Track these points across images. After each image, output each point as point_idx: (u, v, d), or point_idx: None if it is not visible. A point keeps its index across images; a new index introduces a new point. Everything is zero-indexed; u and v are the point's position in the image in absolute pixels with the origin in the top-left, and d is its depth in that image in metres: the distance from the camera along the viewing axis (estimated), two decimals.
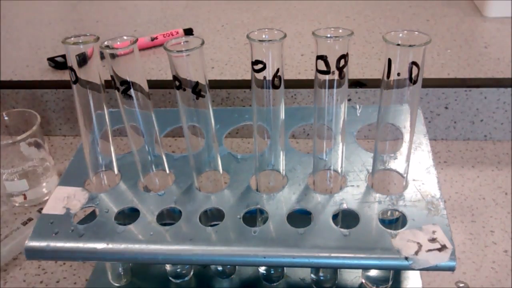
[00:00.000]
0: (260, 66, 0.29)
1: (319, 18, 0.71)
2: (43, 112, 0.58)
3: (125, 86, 0.31)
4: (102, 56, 0.31)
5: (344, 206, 0.32)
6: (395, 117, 0.31)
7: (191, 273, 0.38)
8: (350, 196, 0.33)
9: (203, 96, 0.31)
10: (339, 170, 0.34)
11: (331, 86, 0.29)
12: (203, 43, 0.29)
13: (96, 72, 0.32)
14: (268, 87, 0.30)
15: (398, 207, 0.32)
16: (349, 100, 0.53)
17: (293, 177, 0.35)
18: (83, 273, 0.41)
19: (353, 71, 0.55)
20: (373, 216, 0.31)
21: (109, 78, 0.31)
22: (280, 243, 0.30)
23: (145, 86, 0.32)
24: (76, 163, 0.39)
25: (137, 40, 0.30)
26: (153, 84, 0.55)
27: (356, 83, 0.52)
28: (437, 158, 0.51)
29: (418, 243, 0.29)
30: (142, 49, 0.63)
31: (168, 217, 0.34)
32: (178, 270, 0.38)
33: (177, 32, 0.63)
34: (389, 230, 0.30)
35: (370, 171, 0.35)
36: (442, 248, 0.29)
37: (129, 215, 0.34)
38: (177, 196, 0.34)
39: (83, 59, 0.31)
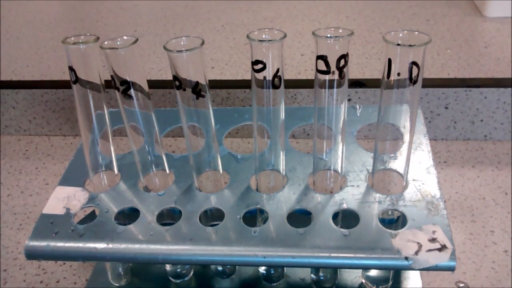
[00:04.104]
0: (260, 66, 0.29)
1: (319, 18, 0.71)
2: (43, 112, 0.58)
3: (125, 86, 0.31)
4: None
5: (344, 206, 0.32)
6: (395, 117, 0.31)
7: (191, 273, 0.38)
8: (350, 196, 0.33)
9: (203, 96, 0.31)
10: (339, 170, 0.34)
11: (331, 86, 0.29)
12: (203, 43, 0.29)
13: (96, 72, 0.32)
14: (268, 87, 0.30)
15: (398, 207, 0.32)
16: (349, 100, 0.53)
17: (293, 177, 0.35)
18: (83, 273, 0.41)
19: (353, 71, 0.55)
20: (373, 216, 0.31)
21: (109, 78, 0.31)
22: (280, 243, 0.30)
23: (145, 86, 0.32)
24: (76, 163, 0.39)
25: (137, 40, 0.30)
26: (153, 84, 0.55)
27: (356, 83, 0.52)
28: (437, 158, 0.51)
29: (418, 243, 0.29)
30: None
31: (168, 217, 0.34)
32: (178, 270, 0.38)
33: None
34: (389, 230, 0.30)
35: (370, 171, 0.35)
36: (442, 248, 0.29)
37: (129, 215, 0.34)
38: (177, 196, 0.34)
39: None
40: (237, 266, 0.38)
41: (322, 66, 0.28)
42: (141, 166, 0.35)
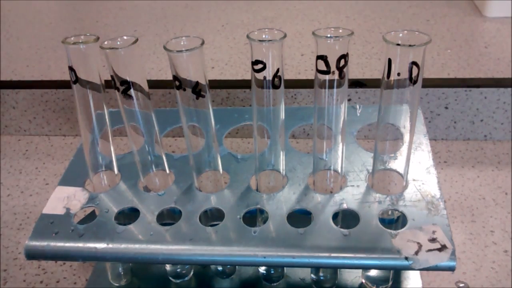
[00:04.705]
0: (260, 66, 0.29)
1: (319, 18, 0.71)
2: (43, 112, 0.58)
3: (125, 86, 0.31)
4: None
5: (344, 206, 0.32)
6: (395, 117, 0.31)
7: (191, 273, 0.38)
8: (350, 196, 0.33)
9: (203, 96, 0.31)
10: (339, 170, 0.34)
11: (331, 86, 0.29)
12: (203, 43, 0.29)
13: (96, 72, 0.32)
14: (268, 87, 0.30)
15: (398, 207, 0.32)
16: (349, 100, 0.53)
17: (293, 177, 0.35)
18: (83, 273, 0.41)
19: (353, 71, 0.55)
20: (373, 216, 0.31)
21: (109, 78, 0.31)
22: (280, 243, 0.30)
23: (145, 86, 0.32)
24: (76, 163, 0.39)
25: (137, 40, 0.30)
26: (153, 84, 0.55)
27: (356, 83, 0.52)
28: (437, 158, 0.51)
29: (418, 243, 0.29)
30: None
31: (168, 217, 0.34)
32: (178, 270, 0.38)
33: None
34: (389, 230, 0.30)
35: (370, 171, 0.35)
36: (442, 248, 0.29)
37: (129, 215, 0.34)
38: (177, 196, 0.34)
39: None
40: (237, 266, 0.38)
41: (322, 66, 0.28)
42: (141, 166, 0.35)
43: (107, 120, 0.34)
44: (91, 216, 0.34)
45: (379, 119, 0.31)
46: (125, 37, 0.30)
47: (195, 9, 0.77)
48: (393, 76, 0.28)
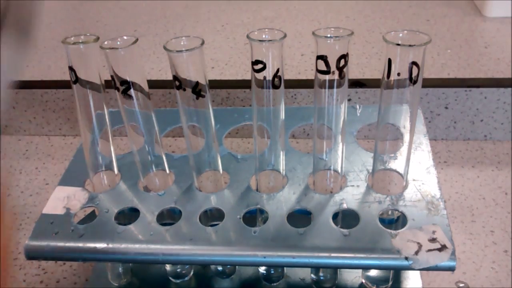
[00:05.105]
0: (260, 66, 0.29)
1: (319, 18, 0.71)
2: (43, 112, 0.58)
3: (125, 86, 0.31)
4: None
5: (344, 206, 0.32)
6: (395, 117, 0.31)
7: (191, 273, 0.38)
8: (350, 196, 0.33)
9: (203, 96, 0.31)
10: (339, 170, 0.34)
11: (331, 86, 0.29)
12: (203, 43, 0.29)
13: (96, 72, 0.32)
14: (268, 87, 0.30)
15: (398, 207, 0.32)
16: (349, 100, 0.53)
17: (293, 177, 0.35)
18: (83, 273, 0.41)
19: (353, 71, 0.55)
20: (373, 216, 0.31)
21: (109, 78, 0.31)
22: (280, 243, 0.30)
23: (145, 86, 0.32)
24: (76, 163, 0.39)
25: (137, 40, 0.30)
26: (153, 84, 0.55)
27: (356, 83, 0.52)
28: (437, 158, 0.51)
29: (418, 243, 0.29)
30: None
31: (168, 217, 0.34)
32: (178, 270, 0.38)
33: None
34: (389, 230, 0.30)
35: (370, 171, 0.35)
36: (442, 248, 0.29)
37: (129, 215, 0.34)
38: (177, 196, 0.34)
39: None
40: (237, 266, 0.38)
41: (322, 66, 0.28)
42: (141, 166, 0.35)
43: (107, 120, 0.34)
44: (91, 216, 0.34)
45: (379, 119, 0.31)
46: (125, 37, 0.30)
47: (195, 9, 0.77)
48: (393, 76, 0.28)
